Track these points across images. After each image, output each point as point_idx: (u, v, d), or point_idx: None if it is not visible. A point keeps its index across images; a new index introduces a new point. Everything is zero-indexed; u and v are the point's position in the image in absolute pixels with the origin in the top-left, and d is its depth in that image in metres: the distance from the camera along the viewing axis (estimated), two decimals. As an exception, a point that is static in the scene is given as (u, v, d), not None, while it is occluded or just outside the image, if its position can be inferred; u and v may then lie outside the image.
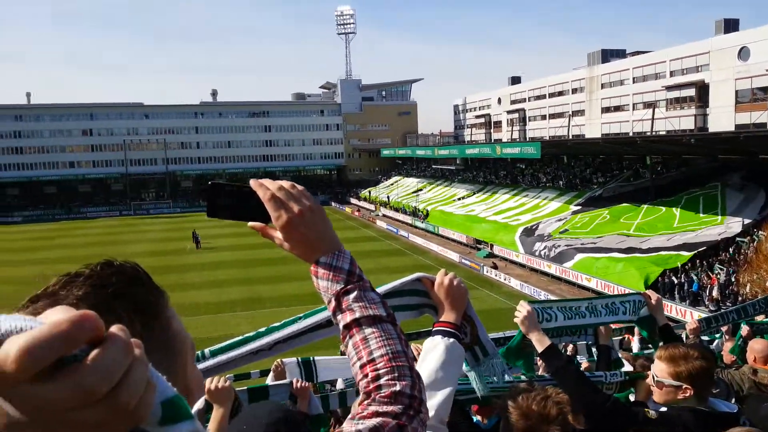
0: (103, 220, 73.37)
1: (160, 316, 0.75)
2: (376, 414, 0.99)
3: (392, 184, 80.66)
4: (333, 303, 1.11)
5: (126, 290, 0.73)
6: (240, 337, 2.03)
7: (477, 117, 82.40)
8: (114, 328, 0.44)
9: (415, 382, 1.04)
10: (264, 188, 1.09)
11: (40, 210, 79.70)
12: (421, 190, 70.81)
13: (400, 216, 61.41)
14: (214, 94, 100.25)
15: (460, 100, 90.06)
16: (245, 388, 3.33)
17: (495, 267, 37.08)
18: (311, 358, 4.08)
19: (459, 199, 60.67)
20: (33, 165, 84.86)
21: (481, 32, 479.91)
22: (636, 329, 6.92)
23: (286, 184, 1.11)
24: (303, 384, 3.39)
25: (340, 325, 1.10)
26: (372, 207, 70.80)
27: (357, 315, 1.08)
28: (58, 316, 0.43)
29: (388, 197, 71.01)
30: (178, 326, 0.80)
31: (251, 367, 3.98)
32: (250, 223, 1.13)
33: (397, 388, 1.01)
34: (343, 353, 4.90)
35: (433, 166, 77.41)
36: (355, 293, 1.10)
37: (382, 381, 1.02)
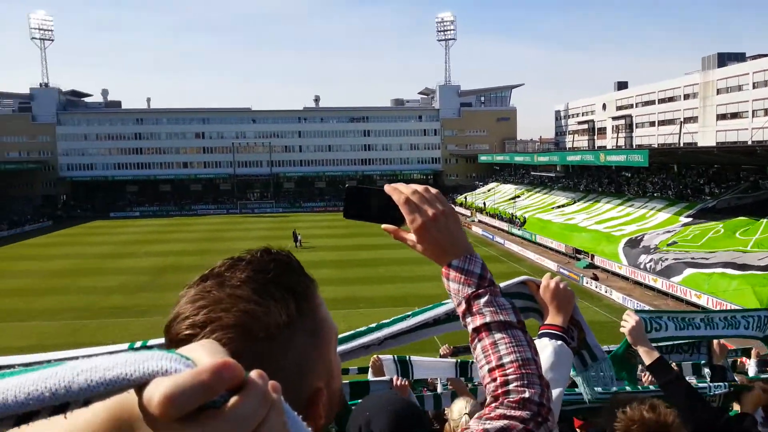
0: (212, 217, 77.65)
1: (311, 301, 0.79)
2: (504, 417, 1.00)
3: (489, 191, 79.69)
4: (463, 306, 1.13)
5: (282, 275, 0.77)
6: (351, 332, 2.09)
7: (579, 123, 79.81)
8: (253, 374, 0.45)
9: (543, 391, 1.04)
10: (398, 192, 1.13)
11: (156, 206, 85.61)
12: (518, 196, 69.46)
13: (496, 222, 60.57)
14: (317, 100, 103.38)
15: (561, 106, 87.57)
16: (347, 382, 3.41)
17: (595, 278, 35.74)
18: (407, 357, 4.12)
19: (558, 206, 58.99)
20: (151, 165, 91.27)
21: (585, 35, 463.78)
22: (753, 351, 6.52)
23: (420, 188, 1.14)
24: (402, 382, 3.47)
25: (469, 328, 1.12)
26: (468, 213, 70.29)
27: (487, 319, 1.10)
28: (201, 358, 0.44)
29: (484, 203, 70.24)
30: (326, 314, 0.83)
31: (350, 364, 4.16)
32: (384, 225, 1.17)
33: (526, 395, 1.02)
34: (443, 356, 4.98)
35: (532, 173, 75.73)
36: (486, 298, 1.11)
37: (510, 387, 1.03)
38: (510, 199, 68.85)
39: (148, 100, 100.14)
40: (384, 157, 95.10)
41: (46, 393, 0.39)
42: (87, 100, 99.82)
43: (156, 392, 0.41)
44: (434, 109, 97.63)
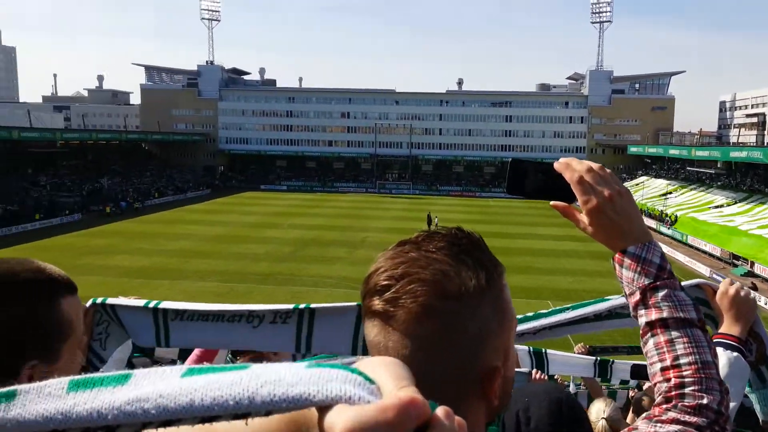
0: (352, 195, 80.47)
1: (498, 280, 0.80)
2: (677, 421, 0.94)
3: (637, 185, 74.89)
4: (637, 296, 1.05)
5: (474, 250, 0.79)
6: None
7: (748, 116, 72.46)
8: (440, 412, 0.43)
9: (723, 398, 0.97)
10: (571, 169, 1.06)
11: (302, 181, 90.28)
12: (670, 193, 64.65)
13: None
14: (460, 83, 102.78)
15: (727, 96, 79.90)
16: None
17: (755, 288, 32.52)
18: (543, 350, 3.94)
19: (716, 207, 54.14)
20: (299, 141, 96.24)
21: (760, 18, 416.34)
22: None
23: (595, 165, 1.07)
24: (542, 375, 3.45)
25: (641, 321, 1.05)
26: (612, 206, 66.53)
27: (664, 314, 1.02)
28: (386, 383, 0.43)
29: (631, 198, 66.10)
30: (510, 299, 0.83)
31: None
32: (554, 202, 1.11)
33: (704, 401, 0.95)
34: (581, 353, 4.86)
35: (688, 168, 70.03)
36: (664, 291, 1.03)
37: (686, 390, 0.96)
38: (661, 196, 64.30)
39: (300, 79, 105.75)
40: (525, 143, 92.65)
41: (230, 401, 0.40)
42: (246, 78, 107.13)
43: (339, 423, 0.40)
44: (582, 95, 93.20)
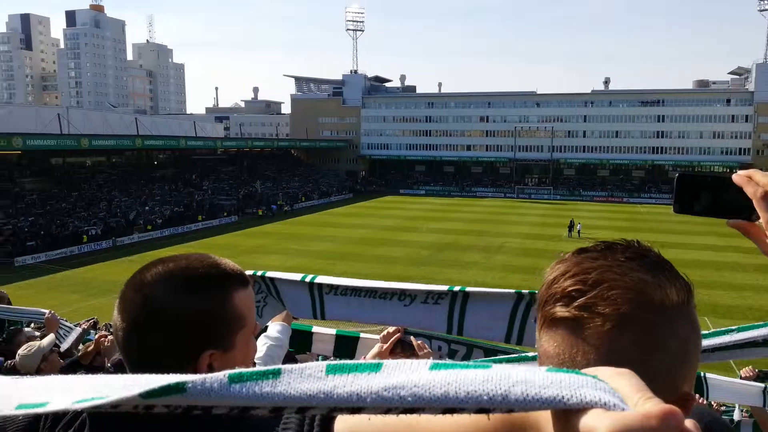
0: (489, 200, 79.70)
1: (692, 299, 0.72)
2: None
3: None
4: None
5: (664, 263, 0.72)
6: None
7: None
8: (690, 425, 0.41)
9: None
10: (754, 183, 0.91)
11: (439, 186, 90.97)
12: None
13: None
14: (607, 82, 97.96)
15: None
16: None
17: None
18: (701, 374, 3.64)
19: None
20: (437, 146, 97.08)
21: None
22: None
23: None
24: (701, 400, 3.27)
25: None
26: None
27: None
28: (629, 394, 0.42)
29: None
30: (697, 327, 0.74)
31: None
32: (733, 221, 0.98)
33: None
34: (744, 378, 4.46)
35: None
36: None
37: None
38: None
39: (440, 84, 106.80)
40: (679, 145, 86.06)
41: (484, 396, 0.42)
42: (387, 85, 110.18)
43: (602, 426, 0.40)
44: (747, 91, 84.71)
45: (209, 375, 0.46)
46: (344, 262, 38.30)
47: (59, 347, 5.04)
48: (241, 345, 1.03)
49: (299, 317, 2.43)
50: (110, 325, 10.63)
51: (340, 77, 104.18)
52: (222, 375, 0.46)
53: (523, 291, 2.24)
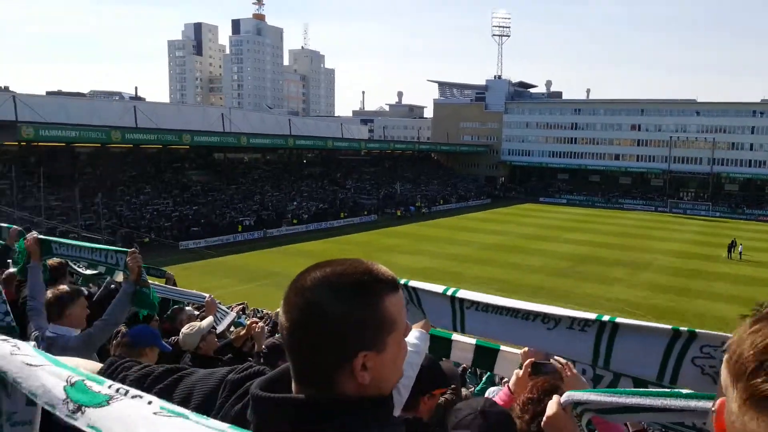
0: (638, 213, 74.96)
1: None
2: None
3: None
4: None
5: None
6: None
7: None
8: None
9: None
10: None
11: (583, 196, 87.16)
12: None
13: None
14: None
15: None
16: None
17: None
18: None
19: None
20: (583, 154, 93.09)
21: None
22: None
23: None
24: None
25: None
26: None
27: None
28: None
29: None
30: None
31: None
32: None
33: None
34: None
35: None
36: None
37: None
38: None
39: (588, 91, 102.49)
40: None
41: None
42: (532, 91, 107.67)
43: None
44: None
45: None
46: (478, 267, 38.10)
47: (216, 329, 5.62)
48: (393, 347, 1.08)
49: (440, 327, 2.46)
50: (258, 310, 11.61)
51: (483, 82, 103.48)
52: None
53: (681, 328, 2.11)
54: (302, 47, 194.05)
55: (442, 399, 4.34)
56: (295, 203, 60.16)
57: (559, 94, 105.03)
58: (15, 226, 5.40)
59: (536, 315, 2.12)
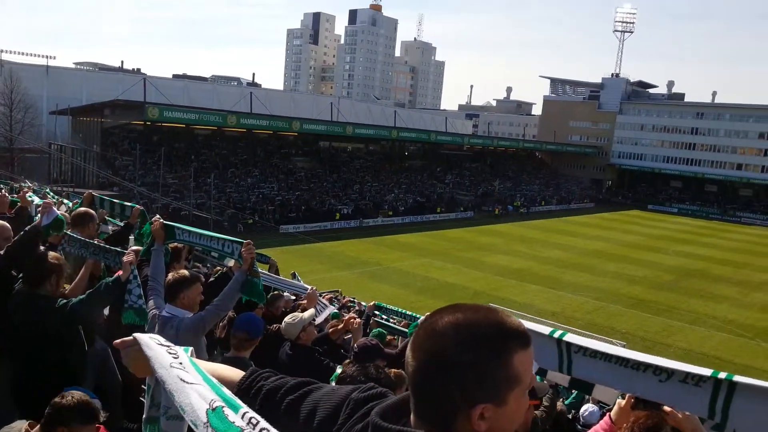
0: (757, 228, 69.56)
1: None
2: None
3: None
4: None
5: None
6: None
7: None
8: None
9: None
10: None
11: (696, 206, 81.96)
12: None
13: None
14: None
15: None
16: None
17: None
18: None
19: None
20: (700, 162, 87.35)
21: None
22: None
23: None
24: None
25: None
26: None
27: None
28: None
29: None
30: None
31: None
32: None
33: None
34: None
35: None
36: None
37: None
38: None
39: (714, 93, 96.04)
40: None
41: None
42: (651, 91, 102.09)
43: None
44: None
45: None
46: (575, 273, 37.04)
47: (315, 320, 5.99)
48: (514, 402, 1.09)
49: (545, 368, 2.43)
50: (352, 299, 12.11)
51: (598, 80, 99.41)
52: None
53: None
54: (415, 38, 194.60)
55: (537, 413, 4.46)
56: (392, 195, 60.97)
57: (681, 96, 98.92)
58: (137, 206, 5.92)
59: (647, 366, 2.05)
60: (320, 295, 7.58)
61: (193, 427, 1.06)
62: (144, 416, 1.30)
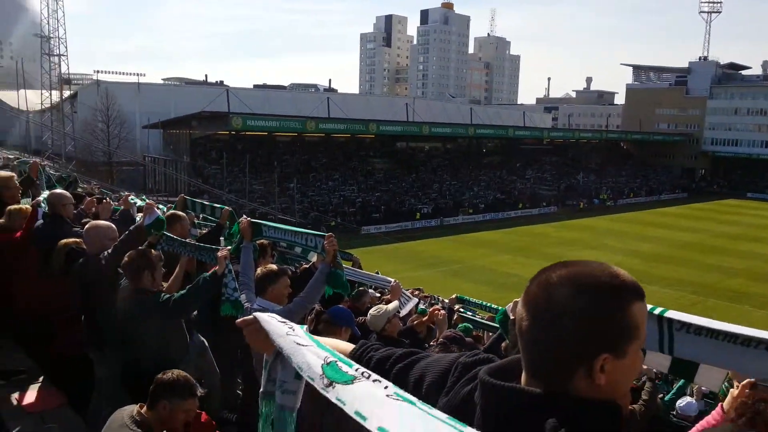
0: None
1: None
2: None
3: None
4: None
5: None
6: None
7: None
8: None
9: None
10: None
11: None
12: None
13: None
14: None
15: None
16: None
17: None
18: None
19: None
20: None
21: None
22: None
23: None
24: None
25: None
26: None
27: None
28: None
29: None
30: None
31: None
32: None
33: None
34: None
35: None
36: None
37: None
38: None
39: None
40: None
41: None
42: (743, 73, 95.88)
43: None
44: None
45: None
46: (667, 267, 35.34)
47: (399, 312, 6.05)
48: (632, 355, 1.07)
49: (645, 349, 2.38)
50: (435, 297, 12.09)
51: (684, 65, 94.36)
52: None
53: None
54: (488, 34, 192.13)
55: (636, 406, 4.32)
56: (472, 192, 60.37)
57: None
58: (227, 207, 6.20)
59: (759, 341, 1.86)
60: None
61: (309, 381, 1.12)
62: (261, 390, 1.39)
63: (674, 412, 5.44)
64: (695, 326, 2.01)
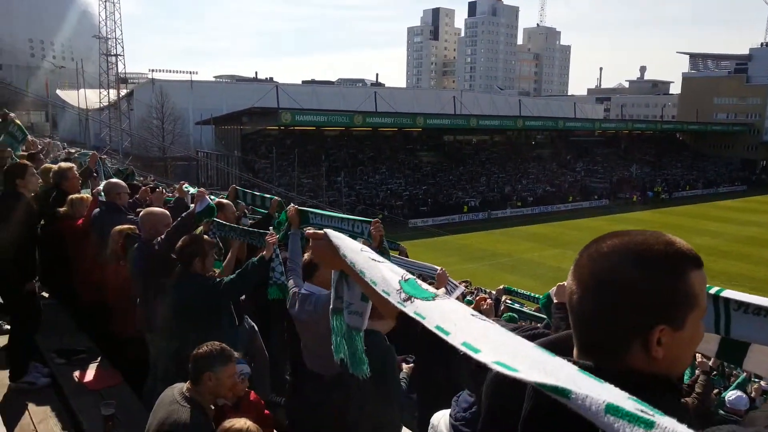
0: None
1: None
2: None
3: None
4: None
5: None
6: None
7: None
8: None
9: None
10: None
11: None
12: None
13: None
14: None
15: None
16: None
17: None
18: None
19: None
20: None
21: None
22: None
23: None
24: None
25: None
26: None
27: None
28: None
29: None
30: None
31: None
32: None
33: None
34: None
35: None
36: None
37: None
38: None
39: None
40: None
41: None
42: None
43: None
44: None
45: (590, 395, 0.50)
46: (726, 261, 34.06)
47: None
48: (691, 326, 1.01)
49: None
50: (482, 289, 12.02)
51: (745, 51, 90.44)
52: (601, 401, 0.50)
53: None
54: (537, 24, 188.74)
55: (688, 400, 4.20)
56: (520, 185, 59.55)
57: None
58: (276, 197, 6.31)
59: None
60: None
61: (384, 295, 1.09)
62: (330, 307, 1.41)
63: (725, 408, 5.27)
64: (754, 306, 1.91)
